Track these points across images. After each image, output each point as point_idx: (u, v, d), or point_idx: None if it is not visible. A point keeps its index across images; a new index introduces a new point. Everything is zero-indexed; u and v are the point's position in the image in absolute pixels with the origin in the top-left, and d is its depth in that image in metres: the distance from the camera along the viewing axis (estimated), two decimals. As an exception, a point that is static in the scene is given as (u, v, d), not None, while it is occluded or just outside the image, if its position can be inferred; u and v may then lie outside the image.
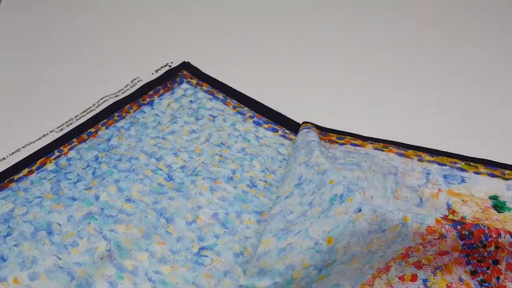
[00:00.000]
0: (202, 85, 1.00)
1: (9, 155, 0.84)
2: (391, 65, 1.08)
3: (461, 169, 0.81)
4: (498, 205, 0.75)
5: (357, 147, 0.86)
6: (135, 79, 1.00)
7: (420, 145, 0.86)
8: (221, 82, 1.00)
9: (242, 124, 0.93)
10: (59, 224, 0.75)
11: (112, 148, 0.87)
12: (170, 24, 1.18)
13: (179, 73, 1.02)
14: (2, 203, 0.78)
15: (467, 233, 0.66)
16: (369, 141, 0.87)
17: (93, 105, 0.94)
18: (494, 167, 0.81)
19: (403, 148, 0.85)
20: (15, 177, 0.81)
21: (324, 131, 0.90)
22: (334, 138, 0.89)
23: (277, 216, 0.72)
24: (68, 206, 0.78)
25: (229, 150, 0.88)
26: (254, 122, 0.93)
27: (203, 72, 1.02)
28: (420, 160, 0.83)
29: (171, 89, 0.99)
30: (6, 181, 0.81)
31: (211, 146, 0.88)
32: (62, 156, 0.85)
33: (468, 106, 0.96)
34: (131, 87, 0.98)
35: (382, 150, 0.84)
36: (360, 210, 0.66)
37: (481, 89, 1.00)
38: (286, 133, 0.91)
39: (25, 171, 0.82)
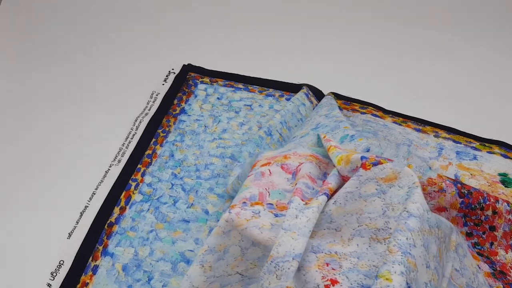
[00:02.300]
0: (217, 81, 0.92)
1: (89, 200, 0.71)
2: (416, 45, 1.02)
3: (475, 148, 0.78)
4: (506, 181, 0.73)
5: (377, 118, 0.83)
6: (153, 94, 0.89)
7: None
8: (233, 73, 0.93)
9: (279, 104, 0.87)
10: (191, 251, 0.66)
11: (182, 161, 0.77)
12: (154, 28, 1.06)
13: (187, 76, 0.92)
14: (121, 251, 0.66)
15: (466, 192, 0.62)
16: (390, 115, 0.84)
17: (132, 129, 0.82)
18: (508, 149, 0.78)
19: (422, 124, 0.82)
20: (112, 219, 0.69)
21: (348, 101, 0.87)
22: (357, 108, 0.86)
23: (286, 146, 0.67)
24: (186, 230, 0.68)
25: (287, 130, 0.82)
26: (286, 99, 0.88)
27: (208, 69, 0.94)
28: (436, 136, 0.80)
29: (191, 93, 0.89)
30: (106, 226, 0.68)
31: (267, 131, 0.82)
32: (140, 184, 0.74)
33: (491, 93, 0.92)
34: (153, 102, 0.87)
35: (400, 125, 0.82)
36: (368, 150, 0.62)
37: (496, 75, 0.96)
38: (309, 95, 0.87)
39: (116, 210, 0.70)
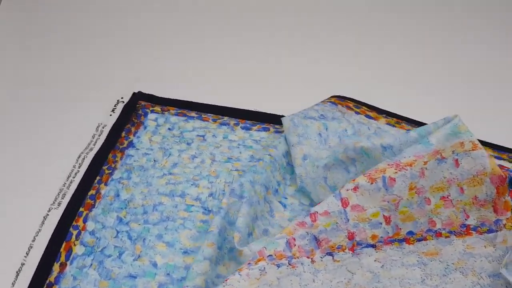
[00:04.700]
0: (168, 110, 0.81)
1: (25, 255, 0.60)
2: (410, 44, 0.96)
3: None
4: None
5: (370, 120, 0.77)
6: (99, 126, 0.78)
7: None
8: (185, 101, 0.83)
9: (234, 134, 0.78)
10: (138, 310, 0.56)
11: (128, 203, 0.67)
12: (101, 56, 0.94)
13: (137, 105, 0.82)
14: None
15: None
16: (384, 115, 0.79)
17: (74, 167, 0.71)
18: (502, 151, 0.74)
19: (416, 125, 0.77)
20: (51, 279, 0.58)
21: (342, 98, 0.81)
22: (351, 106, 0.79)
23: None
24: (133, 287, 0.57)
25: (240, 162, 0.73)
26: (242, 128, 0.79)
27: (160, 97, 0.84)
28: None
29: (141, 124, 0.79)
30: (44, 287, 0.57)
31: (221, 164, 0.73)
32: (82, 232, 0.63)
33: (481, 92, 0.86)
34: (99, 135, 0.77)
35: (394, 126, 0.76)
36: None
37: (494, 75, 0.90)
38: (278, 128, 0.78)
39: (56, 267, 0.60)
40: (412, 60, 0.93)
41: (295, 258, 0.56)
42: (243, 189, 0.64)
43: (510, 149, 0.75)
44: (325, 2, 1.05)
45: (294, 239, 0.57)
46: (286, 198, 0.70)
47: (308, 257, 0.57)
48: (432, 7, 1.04)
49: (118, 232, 0.64)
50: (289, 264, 0.56)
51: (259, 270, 0.54)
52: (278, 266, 0.55)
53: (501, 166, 0.61)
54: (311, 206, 0.68)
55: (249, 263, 0.54)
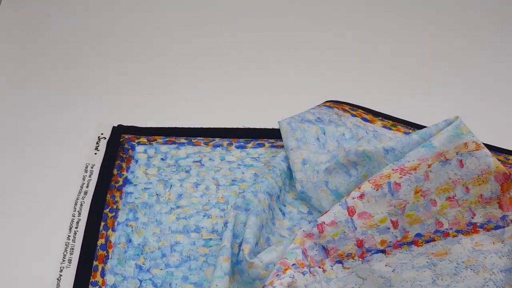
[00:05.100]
0: (155, 140, 0.77)
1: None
2: (405, 46, 0.94)
3: None
4: None
5: (366, 123, 0.76)
6: (87, 167, 0.72)
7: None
8: (171, 128, 0.79)
9: (230, 154, 0.75)
10: None
11: (144, 247, 0.63)
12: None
13: (121, 139, 0.77)
14: None
15: None
16: (380, 118, 0.78)
17: (74, 216, 0.66)
18: (498, 152, 0.74)
19: (412, 127, 0.77)
20: None
21: (337, 103, 0.80)
22: (347, 108, 0.78)
23: None
24: None
25: (246, 183, 0.70)
26: (236, 147, 0.76)
27: (143, 127, 0.79)
28: None
29: (131, 159, 0.74)
30: None
31: (227, 188, 0.70)
32: (103, 287, 0.58)
33: (479, 94, 0.86)
34: (90, 176, 0.71)
35: (390, 129, 0.76)
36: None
37: (492, 76, 0.89)
38: (272, 142, 0.76)
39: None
40: (407, 63, 0.91)
41: (312, 267, 0.56)
42: (245, 201, 0.63)
43: (507, 150, 0.75)
44: (318, 5, 1.02)
45: (306, 250, 0.56)
46: (285, 205, 0.68)
47: (319, 267, 0.57)
48: (430, 8, 1.03)
49: (141, 281, 0.59)
50: (310, 272, 0.55)
51: (290, 277, 0.53)
52: (303, 274, 0.55)
53: (503, 164, 0.61)
54: (310, 215, 0.68)
55: (277, 274, 0.53)
